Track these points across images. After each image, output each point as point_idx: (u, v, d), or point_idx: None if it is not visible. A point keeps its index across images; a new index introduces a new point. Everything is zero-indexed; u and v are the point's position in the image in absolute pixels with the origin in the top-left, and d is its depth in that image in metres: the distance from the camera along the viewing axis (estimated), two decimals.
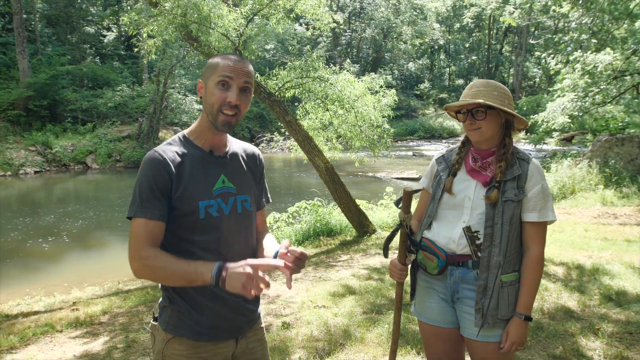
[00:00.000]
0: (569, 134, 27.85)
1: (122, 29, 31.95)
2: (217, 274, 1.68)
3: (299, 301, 5.51)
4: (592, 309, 4.92)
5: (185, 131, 1.98)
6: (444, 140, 37.61)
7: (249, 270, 1.65)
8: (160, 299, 1.98)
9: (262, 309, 2.64)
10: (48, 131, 22.84)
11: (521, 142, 35.22)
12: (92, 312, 5.95)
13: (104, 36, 32.06)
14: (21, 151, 21.28)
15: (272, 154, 26.65)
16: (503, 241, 2.22)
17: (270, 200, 2.23)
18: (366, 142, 9.70)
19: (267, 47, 25.09)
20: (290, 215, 10.07)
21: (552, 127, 19.77)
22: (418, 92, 47.72)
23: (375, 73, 30.38)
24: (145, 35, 8.29)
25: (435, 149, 32.50)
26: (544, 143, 24.91)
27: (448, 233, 2.33)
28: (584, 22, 18.50)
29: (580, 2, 17.00)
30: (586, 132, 28.61)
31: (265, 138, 21.86)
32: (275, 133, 17.93)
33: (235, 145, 2.05)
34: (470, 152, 2.38)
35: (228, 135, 2.01)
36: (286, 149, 21.83)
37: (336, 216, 10.11)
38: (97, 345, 4.76)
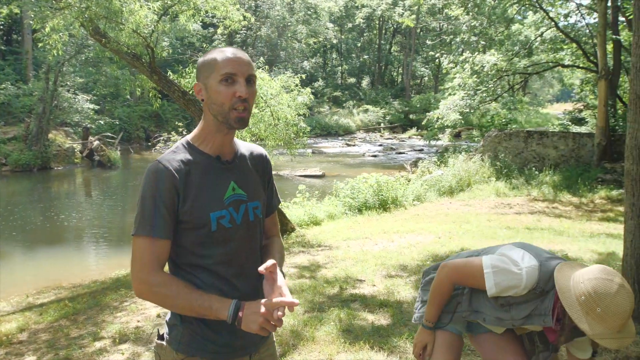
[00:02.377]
0: (457, 130, 29.43)
1: None
2: (234, 313, 1.66)
3: None
4: None
5: (188, 137, 1.85)
6: (340, 138, 38.39)
7: (264, 310, 1.64)
8: (169, 316, 1.86)
9: None
10: None
11: (414, 138, 36.90)
12: (7, 330, 5.48)
13: None
14: None
15: None
16: None
17: (280, 201, 2.16)
18: (282, 140, 9.71)
19: (164, 43, 24.22)
20: None
21: (445, 124, 20.87)
22: (313, 90, 48.24)
23: (271, 71, 30.26)
24: (47, 29, 7.73)
25: (333, 146, 33.14)
26: (437, 139, 26.25)
27: None
28: (472, 24, 19.67)
29: (470, 6, 18.05)
30: (472, 128, 30.48)
31: (162, 138, 21.10)
32: (172, 132, 17.41)
33: (242, 147, 1.94)
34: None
35: (234, 138, 1.91)
36: None
37: None
38: None
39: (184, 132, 20.98)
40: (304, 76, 10.87)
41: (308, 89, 9.86)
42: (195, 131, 1.85)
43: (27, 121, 22.08)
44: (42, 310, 6.33)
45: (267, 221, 2.02)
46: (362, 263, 6.77)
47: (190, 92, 8.70)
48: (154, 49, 8.43)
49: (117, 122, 28.79)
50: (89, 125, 24.31)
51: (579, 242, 7.92)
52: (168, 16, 9.56)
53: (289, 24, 41.95)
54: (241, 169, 1.88)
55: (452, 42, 23.72)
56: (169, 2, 8.61)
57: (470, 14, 18.73)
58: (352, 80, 56.50)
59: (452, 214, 11.12)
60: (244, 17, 9.92)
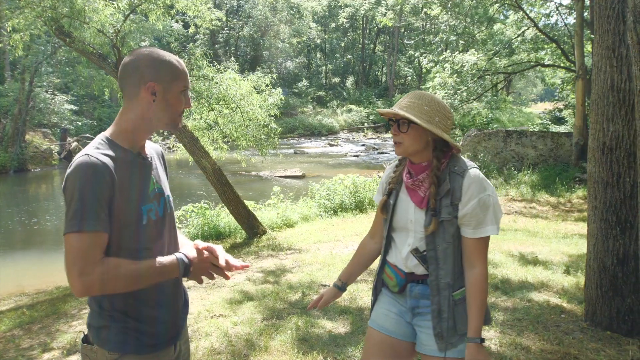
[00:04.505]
0: None
1: None
2: (186, 266, 1.78)
3: (194, 311, 5.25)
4: None
5: (107, 133, 1.81)
6: (323, 137, 38.32)
7: (207, 254, 1.84)
8: (92, 319, 1.80)
9: None
10: None
11: None
12: None
13: None
14: None
15: None
16: (448, 261, 2.15)
17: None
18: (253, 141, 9.57)
19: (142, 44, 23.95)
20: (177, 220, 9.67)
21: None
22: (296, 90, 48.17)
23: (254, 71, 30.09)
24: (9, 28, 7.51)
25: (316, 146, 33.04)
26: None
27: (400, 256, 2.27)
28: (451, 24, 19.61)
29: (449, 5, 17.99)
30: (454, 128, 30.49)
31: None
32: (153, 134, 17.24)
33: (148, 145, 1.97)
34: (406, 166, 2.28)
35: None
36: (166, 148, 21.04)
37: (224, 218, 9.88)
38: None
39: (164, 133, 20.73)
40: (275, 76, 10.73)
41: (279, 89, 9.73)
42: (115, 128, 1.82)
43: (2, 122, 21.73)
44: None
45: None
46: (329, 267, 6.64)
47: None
48: (120, 49, 8.24)
49: (97, 123, 28.44)
50: (67, 126, 23.95)
51: (551, 243, 7.84)
52: (137, 15, 9.37)
53: (272, 23, 41.79)
54: (155, 165, 1.95)
55: (432, 42, 23.70)
56: (136, 1, 8.42)
57: (450, 13, 18.68)
58: (336, 80, 56.42)
59: None
60: (217, 17, 9.77)
